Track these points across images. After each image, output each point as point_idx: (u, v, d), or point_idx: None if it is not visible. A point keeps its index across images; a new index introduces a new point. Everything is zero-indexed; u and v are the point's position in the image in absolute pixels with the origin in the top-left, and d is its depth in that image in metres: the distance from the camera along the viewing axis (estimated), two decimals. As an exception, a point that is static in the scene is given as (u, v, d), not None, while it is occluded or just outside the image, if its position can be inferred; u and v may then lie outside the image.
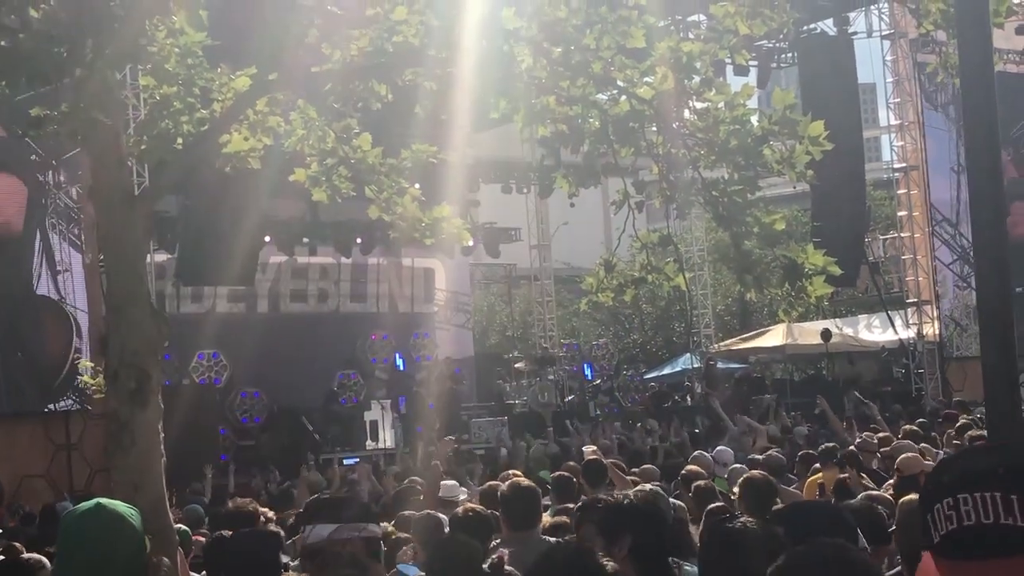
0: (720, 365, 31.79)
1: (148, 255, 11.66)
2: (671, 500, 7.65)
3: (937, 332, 28.56)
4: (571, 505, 9.63)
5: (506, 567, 5.87)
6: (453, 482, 11.11)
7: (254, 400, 25.00)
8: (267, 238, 24.75)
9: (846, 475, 10.68)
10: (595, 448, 12.08)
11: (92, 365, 11.35)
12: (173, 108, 8.86)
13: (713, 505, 8.40)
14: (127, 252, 8.02)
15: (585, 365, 31.19)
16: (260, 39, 8.81)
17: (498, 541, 7.06)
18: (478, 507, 7.72)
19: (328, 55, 8.95)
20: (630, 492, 5.39)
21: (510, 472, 11.17)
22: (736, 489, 8.93)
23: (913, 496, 5.01)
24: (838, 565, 2.91)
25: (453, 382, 26.75)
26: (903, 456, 10.49)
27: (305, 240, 27.64)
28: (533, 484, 7.91)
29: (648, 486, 7.88)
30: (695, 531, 6.97)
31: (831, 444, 12.97)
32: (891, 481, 10.08)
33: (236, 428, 24.51)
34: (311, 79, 9.02)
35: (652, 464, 14.09)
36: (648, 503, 5.12)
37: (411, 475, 13.20)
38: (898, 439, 13.32)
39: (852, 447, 12.51)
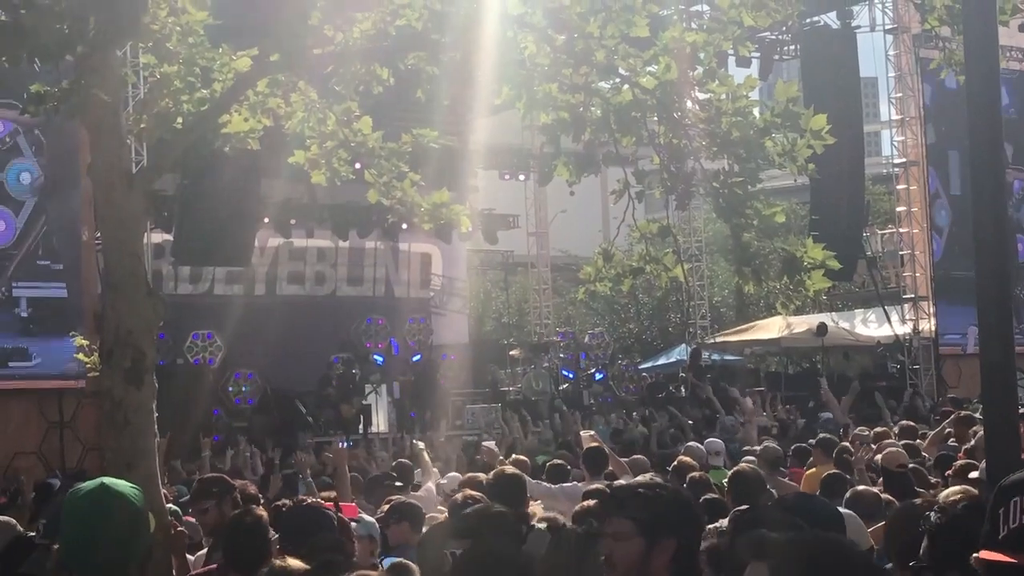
0: (714, 356, 31.72)
1: (145, 234, 11.62)
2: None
3: (933, 328, 28.47)
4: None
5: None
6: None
7: (248, 381, 24.95)
8: (265, 219, 24.68)
9: (837, 471, 10.65)
10: (593, 434, 12.05)
11: (87, 343, 11.32)
12: (173, 87, 8.83)
13: (706, 497, 8.39)
14: (125, 231, 7.99)
15: (581, 355, 31.14)
16: (262, 19, 8.77)
17: None
18: (473, 492, 7.77)
19: (330, 37, 8.92)
20: (662, 484, 4.52)
21: (514, 457, 11.18)
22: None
23: (911, 502, 4.96)
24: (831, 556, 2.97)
25: (440, 371, 26.83)
26: (887, 451, 10.47)
27: (295, 222, 27.47)
28: (519, 472, 8.03)
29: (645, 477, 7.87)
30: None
31: (828, 435, 12.91)
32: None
33: (229, 409, 24.47)
34: (313, 61, 8.99)
35: (644, 454, 14.09)
36: (689, 505, 4.48)
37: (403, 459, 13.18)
38: (894, 433, 13.31)
39: (845, 443, 12.47)
